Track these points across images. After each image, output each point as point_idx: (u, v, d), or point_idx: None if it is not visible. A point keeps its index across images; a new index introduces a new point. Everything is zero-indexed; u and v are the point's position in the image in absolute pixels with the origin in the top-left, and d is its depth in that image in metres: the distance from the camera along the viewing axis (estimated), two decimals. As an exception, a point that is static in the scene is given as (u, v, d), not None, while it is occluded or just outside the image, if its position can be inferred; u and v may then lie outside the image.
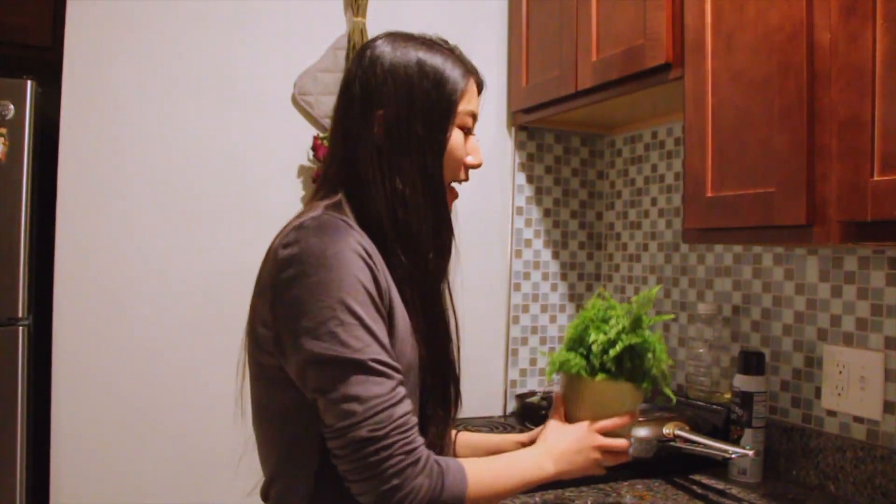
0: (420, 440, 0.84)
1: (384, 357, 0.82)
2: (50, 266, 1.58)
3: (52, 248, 1.58)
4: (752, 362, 1.43)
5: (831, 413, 1.40)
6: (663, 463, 1.43)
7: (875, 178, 0.96)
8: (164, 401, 1.66)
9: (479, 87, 1.02)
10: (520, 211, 2.03)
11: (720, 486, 1.39)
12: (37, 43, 1.71)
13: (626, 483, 1.40)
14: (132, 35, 1.64)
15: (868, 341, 1.34)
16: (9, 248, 1.50)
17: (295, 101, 1.80)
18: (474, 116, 0.99)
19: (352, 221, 0.90)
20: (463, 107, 0.97)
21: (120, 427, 1.62)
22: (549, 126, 2.03)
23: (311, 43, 1.80)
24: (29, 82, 1.52)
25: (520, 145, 2.03)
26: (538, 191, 2.06)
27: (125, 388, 1.62)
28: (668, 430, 1.43)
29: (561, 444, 1.00)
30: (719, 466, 1.45)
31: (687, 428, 1.43)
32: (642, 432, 1.44)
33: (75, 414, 1.58)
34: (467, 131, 0.99)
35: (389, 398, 0.80)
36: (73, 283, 1.59)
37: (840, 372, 1.37)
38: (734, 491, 1.37)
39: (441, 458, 0.86)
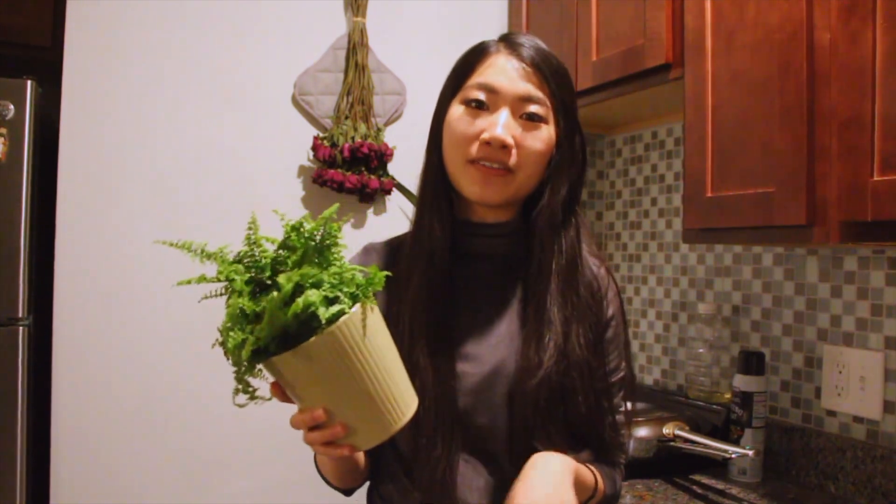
0: None
1: None
2: (50, 266, 1.58)
3: (52, 248, 1.58)
4: (752, 362, 1.43)
5: (831, 413, 1.40)
6: (663, 463, 1.44)
7: (875, 178, 0.96)
8: (163, 401, 1.66)
9: (521, 56, 0.92)
10: (520, 211, 2.03)
11: (720, 486, 1.39)
12: (37, 43, 1.71)
13: (626, 483, 1.39)
14: (132, 35, 1.63)
15: (868, 341, 1.34)
16: (9, 248, 1.49)
17: (295, 101, 1.80)
18: (488, 89, 0.91)
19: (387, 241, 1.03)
20: (474, 80, 0.92)
21: (120, 427, 1.62)
22: (549, 126, 2.02)
23: (311, 43, 1.80)
24: (29, 82, 1.52)
25: (520, 145, 2.02)
26: (538, 191, 2.05)
27: (125, 387, 1.62)
28: (668, 430, 1.43)
29: None
30: (719, 466, 1.45)
31: (687, 428, 1.43)
32: (642, 432, 1.44)
33: (75, 414, 1.58)
34: (476, 104, 0.91)
35: None
36: (73, 283, 1.59)
37: (840, 372, 1.37)
38: (734, 491, 1.37)
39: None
